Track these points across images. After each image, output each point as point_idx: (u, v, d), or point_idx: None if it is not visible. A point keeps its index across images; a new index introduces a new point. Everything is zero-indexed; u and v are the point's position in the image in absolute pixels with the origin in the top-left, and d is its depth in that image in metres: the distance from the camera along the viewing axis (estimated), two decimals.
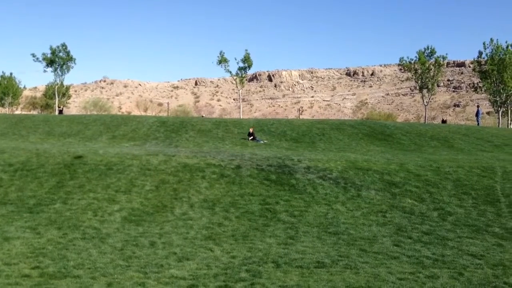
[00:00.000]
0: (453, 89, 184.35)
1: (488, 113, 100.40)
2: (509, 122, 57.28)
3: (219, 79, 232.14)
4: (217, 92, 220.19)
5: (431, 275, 8.96)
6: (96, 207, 14.34)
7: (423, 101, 62.06)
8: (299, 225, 13.22)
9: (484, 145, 29.25)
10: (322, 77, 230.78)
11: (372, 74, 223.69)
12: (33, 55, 62.10)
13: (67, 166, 18.03)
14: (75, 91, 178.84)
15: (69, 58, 63.81)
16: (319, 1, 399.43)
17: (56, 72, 64.28)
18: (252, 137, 28.74)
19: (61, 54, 63.02)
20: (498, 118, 58.25)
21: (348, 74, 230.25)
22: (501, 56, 55.22)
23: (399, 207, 15.23)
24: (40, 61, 62.51)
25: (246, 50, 67.21)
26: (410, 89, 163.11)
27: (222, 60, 61.89)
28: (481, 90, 60.75)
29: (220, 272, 9.03)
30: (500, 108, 56.80)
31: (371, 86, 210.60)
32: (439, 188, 17.17)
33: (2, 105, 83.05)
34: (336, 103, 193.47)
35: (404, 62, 60.91)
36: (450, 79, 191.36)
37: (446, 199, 16.12)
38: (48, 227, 12.37)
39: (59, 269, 8.94)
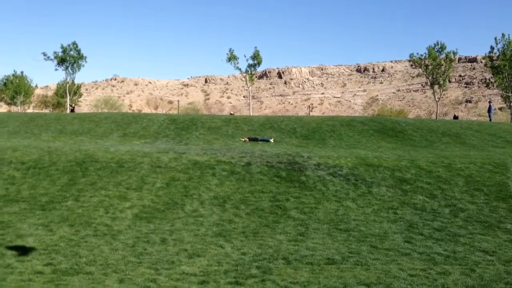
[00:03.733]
0: (465, 85, 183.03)
1: (500, 108, 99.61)
2: None
3: (229, 77, 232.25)
4: (227, 89, 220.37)
5: (442, 272, 8.92)
6: (108, 204, 14.43)
7: (435, 97, 61.69)
8: (309, 222, 13.22)
9: (496, 141, 29.02)
10: (332, 73, 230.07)
11: (382, 70, 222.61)
12: (44, 54, 62.53)
13: (79, 163, 18.15)
14: (86, 89, 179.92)
15: (80, 57, 64.14)
16: None
17: (67, 71, 64.67)
18: (251, 140, 27.50)
19: (72, 52, 63.36)
20: (511, 114, 57.75)
21: (358, 71, 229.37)
22: None
23: (410, 204, 15.17)
24: (51, 60, 62.92)
25: (256, 47, 67.14)
26: (422, 85, 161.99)
27: (232, 58, 61.93)
28: (493, 85, 60.27)
29: (230, 268, 9.05)
30: None
31: (381, 82, 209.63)
32: (450, 185, 17.07)
33: (14, 104, 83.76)
34: (347, 100, 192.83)
35: (414, 58, 60.57)
36: (462, 74, 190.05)
37: (457, 196, 16.03)
38: (60, 224, 12.47)
39: (72, 266, 9.02)
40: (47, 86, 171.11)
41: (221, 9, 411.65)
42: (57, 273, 8.56)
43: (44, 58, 62.54)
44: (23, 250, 10.01)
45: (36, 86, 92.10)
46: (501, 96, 61.75)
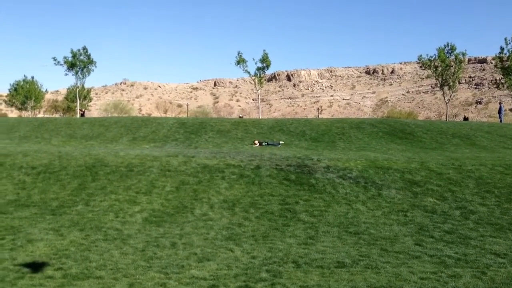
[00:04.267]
0: (475, 86, 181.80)
1: (511, 109, 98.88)
2: None
3: (237, 80, 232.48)
4: (236, 92, 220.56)
5: (453, 275, 8.86)
6: (118, 208, 14.49)
7: (444, 98, 61.30)
8: (319, 225, 13.18)
9: (507, 142, 28.81)
10: (341, 75, 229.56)
11: (392, 72, 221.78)
12: (54, 59, 62.94)
13: (88, 168, 18.25)
14: (96, 93, 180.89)
15: (90, 61, 64.43)
16: (337, 0, 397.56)
17: (77, 75, 65.05)
18: (259, 144, 27.32)
19: (81, 57, 63.69)
20: None
21: (367, 73, 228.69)
22: None
23: (420, 206, 15.08)
24: (61, 65, 63.33)
25: (264, 50, 67.31)
26: (431, 86, 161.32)
27: (240, 61, 61.91)
28: (504, 86, 59.68)
29: (240, 272, 9.05)
30: None
31: (391, 84, 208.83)
32: (461, 187, 16.96)
33: (25, 109, 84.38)
34: (356, 102, 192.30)
35: (423, 59, 60.32)
36: (472, 75, 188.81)
37: (468, 198, 15.92)
38: (70, 228, 12.53)
39: (82, 270, 9.06)
40: (57, 91, 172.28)
41: (229, 12, 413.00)
42: (68, 278, 8.60)
43: (54, 63, 62.92)
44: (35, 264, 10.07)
45: (46, 91, 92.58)
46: None
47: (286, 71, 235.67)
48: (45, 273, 8.88)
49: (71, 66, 63.58)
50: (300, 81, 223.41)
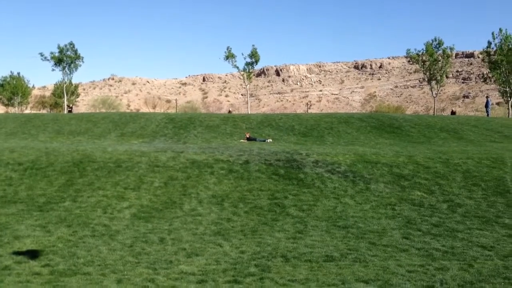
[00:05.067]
0: (462, 80, 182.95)
1: (498, 103, 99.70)
2: None
3: (226, 75, 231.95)
4: (225, 87, 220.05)
5: (440, 267, 8.93)
6: (106, 204, 14.41)
7: (432, 93, 61.64)
8: (308, 219, 13.22)
9: (494, 136, 29.06)
10: (330, 70, 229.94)
11: (380, 67, 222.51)
12: (41, 54, 62.35)
13: (76, 164, 18.13)
14: (84, 89, 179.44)
15: (77, 57, 63.95)
16: None
17: (64, 71, 64.54)
18: (249, 140, 27.05)
19: (68, 52, 63.20)
20: (508, 109, 57.70)
21: (356, 67, 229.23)
22: (510, 46, 54.61)
23: (408, 200, 15.18)
24: (48, 60, 62.80)
25: (253, 45, 66.95)
26: (419, 81, 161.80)
27: (229, 56, 61.70)
28: (491, 80, 60.15)
29: (229, 267, 9.05)
30: (510, 98, 56.20)
31: (379, 79, 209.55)
32: (448, 180, 17.09)
33: (12, 105, 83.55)
34: (345, 97, 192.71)
35: (411, 54, 60.56)
36: (459, 70, 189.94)
37: (455, 191, 16.04)
38: (58, 225, 12.45)
39: (69, 267, 9.00)
40: (44, 87, 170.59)
41: (218, 7, 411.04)
42: (55, 274, 8.55)
43: (41, 59, 62.39)
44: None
45: (33, 86, 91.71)
46: (499, 91, 61.75)
47: (275, 66, 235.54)
48: (33, 269, 8.82)
49: (58, 61, 63.07)
50: (289, 76, 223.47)
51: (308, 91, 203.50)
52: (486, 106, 48.27)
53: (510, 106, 56.87)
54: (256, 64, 63.59)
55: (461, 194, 15.76)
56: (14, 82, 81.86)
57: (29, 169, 17.63)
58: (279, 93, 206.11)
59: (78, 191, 15.57)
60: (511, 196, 15.50)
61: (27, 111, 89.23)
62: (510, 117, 53.42)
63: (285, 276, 8.49)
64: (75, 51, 63.64)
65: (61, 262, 9.32)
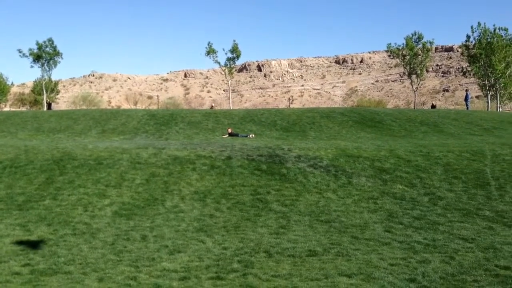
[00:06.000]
0: (442, 74, 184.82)
1: (477, 97, 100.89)
2: (498, 105, 57.55)
3: (208, 71, 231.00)
4: (206, 83, 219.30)
5: (422, 260, 8.99)
6: (87, 202, 14.26)
7: (412, 86, 62.21)
8: (290, 214, 13.23)
9: (474, 129, 29.40)
10: (312, 65, 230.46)
11: (361, 61, 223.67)
12: (20, 51, 61.47)
13: (56, 162, 17.89)
14: (64, 86, 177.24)
15: (56, 53, 63.15)
16: None
17: (43, 68, 63.71)
18: (231, 136, 26.92)
19: (47, 49, 62.38)
20: (487, 102, 58.53)
21: (337, 62, 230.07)
22: (488, 39, 55.34)
23: (390, 193, 15.28)
24: (26, 57, 61.91)
25: (234, 40, 66.75)
26: (400, 75, 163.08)
27: (210, 51, 61.41)
28: (470, 74, 60.87)
29: (212, 263, 9.01)
30: (489, 91, 57.02)
31: (360, 74, 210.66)
32: (429, 173, 17.23)
33: None
34: (326, 92, 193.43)
35: (392, 48, 60.97)
36: (439, 64, 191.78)
37: (436, 184, 16.19)
38: (38, 223, 12.28)
39: (50, 266, 8.88)
40: (23, 84, 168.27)
41: (199, 2, 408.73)
42: (35, 274, 8.42)
43: (20, 55, 61.49)
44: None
45: (12, 84, 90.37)
46: (478, 85, 62.56)
47: (256, 61, 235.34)
48: (12, 269, 8.68)
49: (37, 58, 62.22)
50: (271, 71, 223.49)
51: (290, 86, 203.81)
52: (466, 99, 48.78)
53: (489, 100, 57.65)
54: (238, 59, 63.42)
55: (442, 187, 15.91)
56: None
57: (8, 168, 17.36)
58: (261, 88, 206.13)
59: (59, 189, 15.37)
60: (491, 188, 15.69)
61: (6, 109, 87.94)
62: (489, 110, 54.15)
63: (268, 271, 8.48)
64: (54, 48, 62.84)
65: (41, 261, 9.19)
